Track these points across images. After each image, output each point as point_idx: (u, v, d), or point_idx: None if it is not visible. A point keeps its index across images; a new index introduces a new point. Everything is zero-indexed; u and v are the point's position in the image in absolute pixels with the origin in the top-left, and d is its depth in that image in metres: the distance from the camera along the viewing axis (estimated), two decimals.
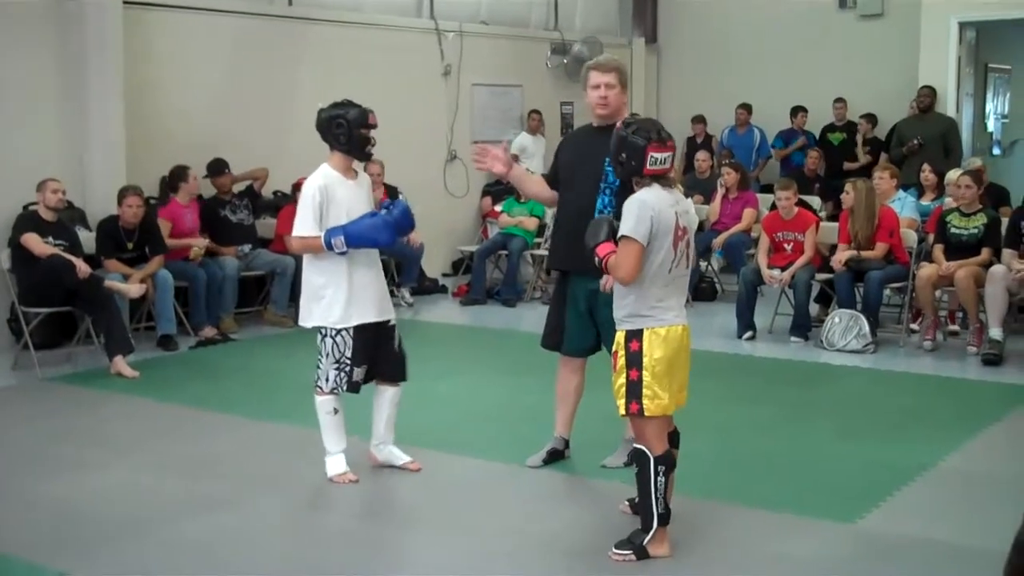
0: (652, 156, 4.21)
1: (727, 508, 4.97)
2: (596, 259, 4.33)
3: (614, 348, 4.37)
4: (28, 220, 7.89)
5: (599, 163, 5.02)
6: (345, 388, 5.27)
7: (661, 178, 4.28)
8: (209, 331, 8.71)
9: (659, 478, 4.26)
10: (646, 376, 4.24)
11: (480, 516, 4.95)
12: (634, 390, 4.25)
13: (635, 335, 4.26)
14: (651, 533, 4.32)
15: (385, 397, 5.47)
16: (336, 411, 5.31)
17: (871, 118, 12.60)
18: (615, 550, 4.36)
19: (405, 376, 5.48)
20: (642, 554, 4.33)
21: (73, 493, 5.26)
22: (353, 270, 5.19)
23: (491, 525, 4.83)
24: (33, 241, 7.69)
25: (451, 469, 5.63)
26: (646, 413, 4.25)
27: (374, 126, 5.29)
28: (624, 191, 4.73)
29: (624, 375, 4.28)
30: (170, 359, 8.18)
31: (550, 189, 5.52)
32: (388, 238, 5.19)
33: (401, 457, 5.54)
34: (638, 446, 4.32)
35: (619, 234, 4.21)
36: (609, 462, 5.51)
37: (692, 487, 5.05)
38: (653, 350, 4.24)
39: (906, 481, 5.33)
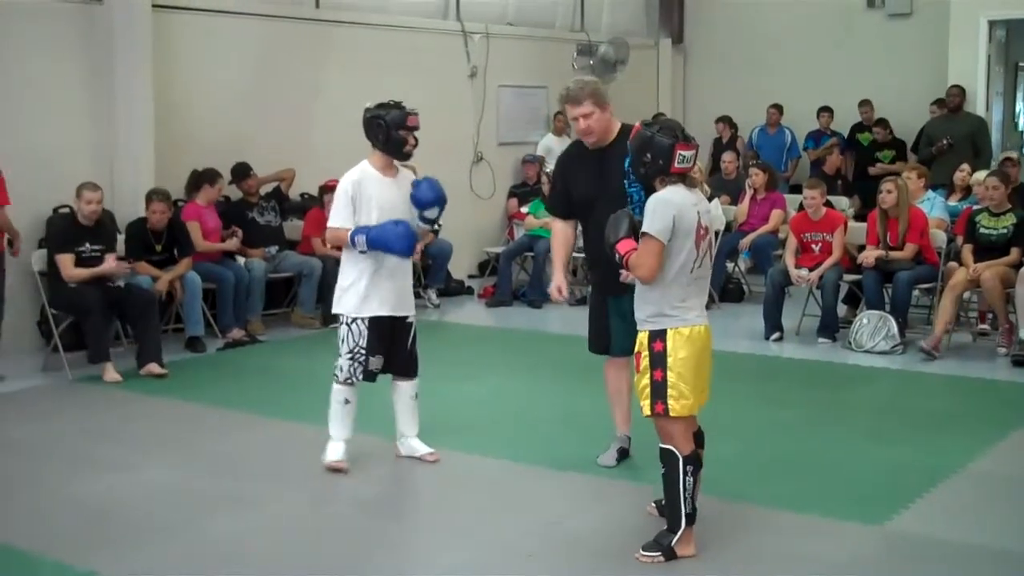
0: (680, 154, 4.22)
1: (754, 510, 4.95)
2: (617, 256, 4.32)
3: (636, 349, 4.36)
4: (64, 231, 7.80)
5: (616, 186, 5.01)
6: (360, 377, 5.44)
7: (685, 177, 4.28)
8: (237, 333, 8.75)
9: (687, 478, 4.26)
10: (671, 376, 4.24)
11: (505, 517, 4.95)
12: (659, 391, 4.25)
13: (658, 335, 4.26)
14: (679, 534, 4.31)
15: (401, 392, 5.66)
16: (348, 401, 5.48)
17: (884, 122, 12.47)
18: (643, 552, 4.35)
19: (416, 371, 5.63)
20: (670, 555, 4.32)
21: (102, 493, 5.31)
22: (378, 265, 5.38)
23: (516, 526, 4.83)
24: (66, 264, 7.61)
25: (476, 470, 5.63)
26: (671, 413, 4.25)
27: (414, 128, 5.44)
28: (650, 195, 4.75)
29: (648, 376, 4.28)
30: (198, 361, 8.22)
31: (568, 225, 5.51)
32: (405, 248, 5.33)
33: (421, 449, 5.66)
34: (665, 447, 4.31)
35: (642, 231, 4.21)
36: (602, 460, 5.54)
37: (719, 488, 5.03)
38: (677, 350, 4.24)
39: (935, 483, 5.29)
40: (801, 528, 4.76)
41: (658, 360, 4.25)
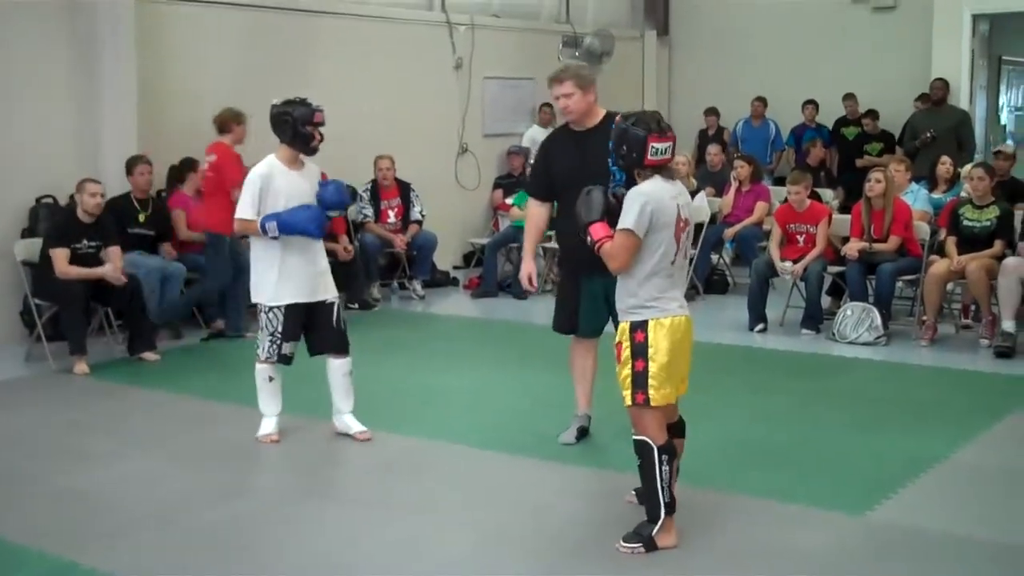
0: (653, 147, 4.23)
1: (738, 499, 4.97)
2: (588, 238, 4.36)
3: (617, 339, 4.38)
4: (62, 227, 7.74)
5: (600, 165, 5.01)
6: (276, 359, 5.75)
7: (663, 169, 4.29)
8: (220, 323, 8.73)
9: (663, 467, 4.27)
10: (652, 367, 4.26)
11: (487, 508, 4.95)
12: (640, 380, 4.26)
13: (640, 326, 4.28)
14: (659, 524, 4.31)
15: (334, 369, 5.85)
16: (271, 379, 5.81)
17: (873, 113, 12.53)
18: (623, 543, 4.35)
19: (347, 348, 5.85)
20: (651, 546, 4.32)
21: (88, 484, 5.29)
22: (286, 254, 5.65)
23: (498, 517, 4.84)
24: (60, 259, 7.55)
25: (460, 461, 5.64)
26: (652, 403, 4.26)
27: (320, 124, 5.69)
28: (629, 185, 4.75)
29: (630, 366, 4.29)
30: (184, 351, 8.20)
31: (543, 208, 5.72)
32: (316, 230, 5.64)
33: (354, 427, 5.86)
34: (639, 438, 4.32)
35: (619, 226, 4.23)
36: (563, 438, 5.71)
37: (703, 478, 5.06)
38: (659, 341, 4.26)
39: (918, 473, 5.32)
40: (784, 518, 4.78)
41: (639, 350, 4.27)
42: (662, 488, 4.27)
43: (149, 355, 7.74)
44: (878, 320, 8.23)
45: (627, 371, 4.31)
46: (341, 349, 5.84)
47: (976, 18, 12.10)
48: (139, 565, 4.35)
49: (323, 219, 5.73)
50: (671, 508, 4.32)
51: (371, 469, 5.57)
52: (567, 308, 5.62)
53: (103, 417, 6.57)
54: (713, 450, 5.60)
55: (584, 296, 5.48)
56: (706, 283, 10.40)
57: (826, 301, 9.04)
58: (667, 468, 4.27)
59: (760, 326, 8.76)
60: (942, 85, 11.65)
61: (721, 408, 6.37)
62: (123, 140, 8.80)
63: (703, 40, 14.47)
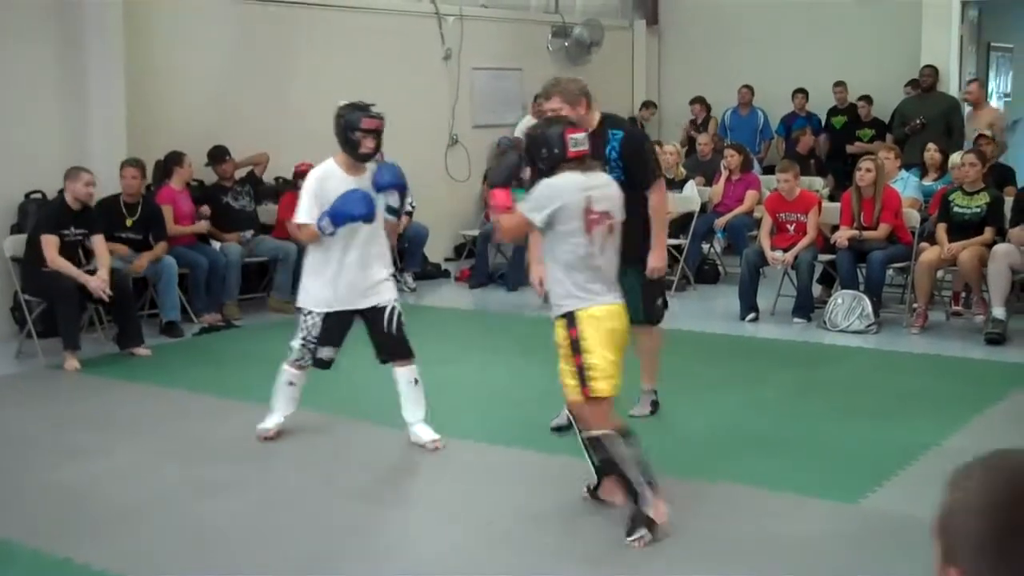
0: (571, 138, 4.33)
1: (729, 488, 4.98)
2: (490, 199, 4.57)
3: (556, 340, 4.39)
4: (52, 215, 7.73)
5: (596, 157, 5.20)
6: (311, 363, 5.64)
7: (582, 161, 4.36)
8: (211, 317, 8.72)
9: (622, 449, 4.27)
10: (589, 359, 4.25)
11: (484, 500, 4.96)
12: (580, 375, 4.28)
13: (571, 320, 4.28)
14: (643, 501, 4.28)
15: (397, 377, 5.66)
16: (292, 384, 5.70)
17: (867, 99, 12.54)
18: (629, 539, 4.29)
19: (408, 353, 5.64)
20: (651, 524, 4.28)
21: (77, 479, 5.28)
22: (339, 261, 5.47)
23: (496, 509, 4.84)
24: (50, 246, 7.53)
25: (455, 454, 5.64)
26: (597, 394, 4.26)
27: (370, 131, 5.42)
28: (629, 183, 5.14)
29: (569, 362, 4.30)
30: (174, 346, 8.19)
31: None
32: (364, 211, 5.33)
33: (424, 436, 5.64)
34: (588, 435, 4.35)
35: (520, 207, 4.33)
36: (636, 411, 5.86)
37: (695, 468, 5.06)
38: (591, 332, 4.25)
39: (910, 461, 5.34)
40: (776, 506, 4.80)
41: (575, 347, 4.27)
42: (628, 468, 4.26)
43: (140, 350, 7.72)
44: (869, 308, 8.24)
45: (567, 367, 4.32)
46: (399, 355, 5.63)
47: (965, 4, 12.10)
48: (134, 561, 4.34)
49: (371, 201, 5.37)
50: (652, 484, 4.29)
51: (363, 464, 5.56)
52: None
53: (94, 412, 6.56)
54: (705, 439, 5.60)
55: None
56: (697, 273, 10.40)
57: (817, 289, 9.06)
58: (625, 449, 4.27)
59: (751, 315, 8.77)
60: (931, 72, 11.67)
61: (712, 397, 6.38)
62: (111, 135, 8.76)
63: (693, 29, 14.45)
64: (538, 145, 4.38)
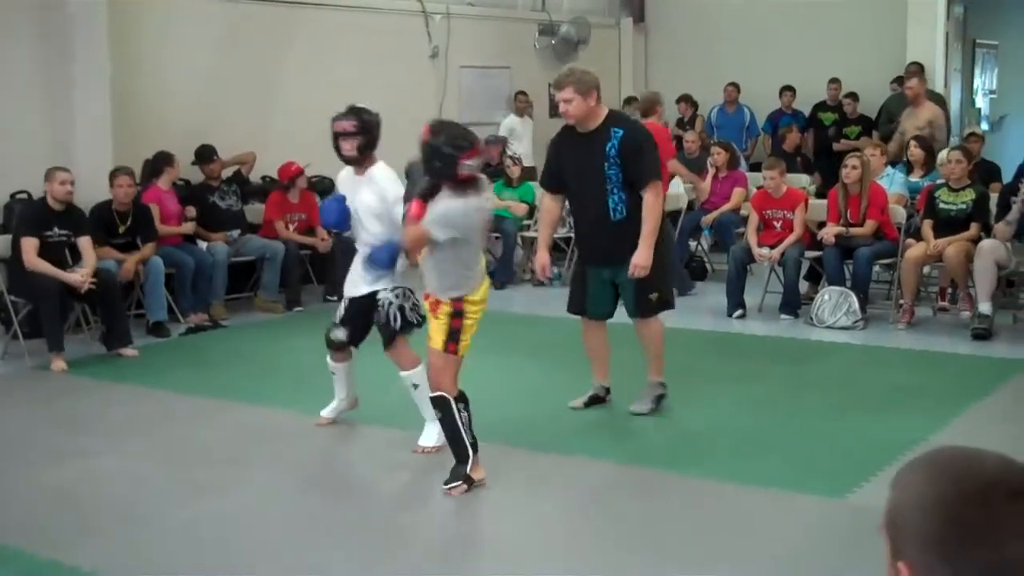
0: (464, 164, 4.63)
1: (718, 485, 4.98)
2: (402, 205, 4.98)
3: (442, 311, 4.78)
4: (33, 216, 7.70)
5: (597, 167, 5.57)
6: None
7: (474, 181, 4.73)
8: (198, 317, 8.69)
9: (462, 414, 4.79)
10: (466, 323, 4.79)
11: (481, 499, 4.95)
12: (453, 335, 4.79)
13: (459, 300, 4.79)
14: (470, 463, 4.80)
15: (401, 381, 5.65)
16: (333, 372, 5.85)
17: (853, 96, 12.56)
18: (445, 486, 4.77)
19: (384, 345, 5.62)
20: (468, 480, 4.80)
21: (66, 481, 5.26)
22: (360, 251, 5.66)
23: (483, 508, 4.84)
24: (29, 249, 7.50)
25: (446, 453, 5.61)
26: (460, 353, 4.81)
27: (336, 134, 5.54)
28: (628, 186, 5.52)
29: (447, 321, 4.78)
30: (161, 346, 8.16)
31: (556, 201, 6.08)
32: (330, 219, 5.75)
33: (421, 440, 5.55)
34: (436, 394, 4.81)
35: (426, 224, 4.64)
36: (636, 407, 5.96)
37: (683, 464, 5.07)
38: (472, 308, 4.82)
39: (897, 456, 5.32)
40: (764, 502, 4.80)
41: (457, 314, 4.77)
42: (464, 431, 4.78)
43: (127, 351, 7.68)
44: (856, 304, 8.26)
45: (444, 324, 4.77)
46: (384, 344, 5.61)
47: (950, 2, 12.15)
48: (122, 561, 4.33)
49: (338, 213, 5.61)
50: (475, 447, 4.82)
51: (353, 464, 5.56)
52: (578, 292, 6.04)
53: (81, 414, 6.54)
54: (693, 435, 5.61)
55: (593, 282, 5.92)
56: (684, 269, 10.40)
57: (804, 286, 9.07)
58: (466, 414, 4.80)
59: (739, 312, 8.78)
60: (917, 69, 11.68)
61: (699, 394, 6.38)
62: (96, 134, 8.74)
63: (679, 27, 14.46)
64: (432, 157, 4.65)
